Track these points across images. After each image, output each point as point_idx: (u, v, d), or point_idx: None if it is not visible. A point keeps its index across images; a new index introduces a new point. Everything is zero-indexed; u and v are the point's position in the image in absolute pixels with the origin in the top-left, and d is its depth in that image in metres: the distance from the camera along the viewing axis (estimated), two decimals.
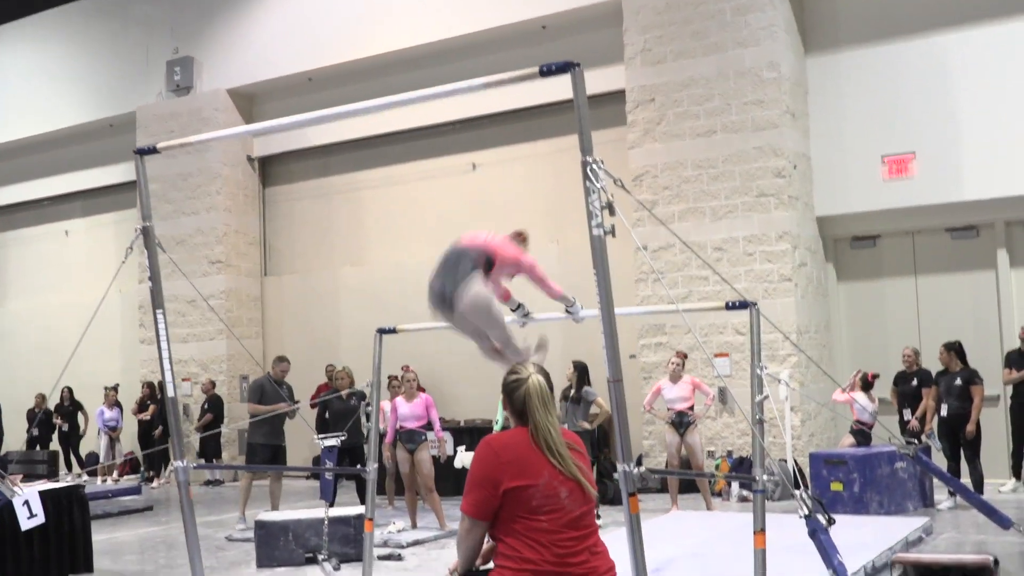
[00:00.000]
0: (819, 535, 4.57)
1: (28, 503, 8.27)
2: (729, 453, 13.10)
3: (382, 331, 6.98)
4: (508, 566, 3.41)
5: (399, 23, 16.17)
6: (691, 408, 11.05)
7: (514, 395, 3.58)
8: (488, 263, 5.31)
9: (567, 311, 6.10)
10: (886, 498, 10.58)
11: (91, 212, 20.72)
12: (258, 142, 18.56)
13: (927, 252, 13.52)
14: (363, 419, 11.76)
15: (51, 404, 18.96)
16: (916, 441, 9.77)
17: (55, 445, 19.14)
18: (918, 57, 13.11)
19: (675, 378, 11.13)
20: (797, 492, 4.62)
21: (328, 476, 8.13)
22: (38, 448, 19.08)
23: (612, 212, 4.14)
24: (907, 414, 11.69)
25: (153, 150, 5.40)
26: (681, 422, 11.00)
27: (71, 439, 18.73)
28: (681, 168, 13.63)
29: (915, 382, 11.73)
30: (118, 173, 19.72)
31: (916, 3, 13.18)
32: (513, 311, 6.20)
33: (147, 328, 18.60)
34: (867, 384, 11.43)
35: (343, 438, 8.67)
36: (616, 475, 4.16)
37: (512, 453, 3.44)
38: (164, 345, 5.48)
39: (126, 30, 19.44)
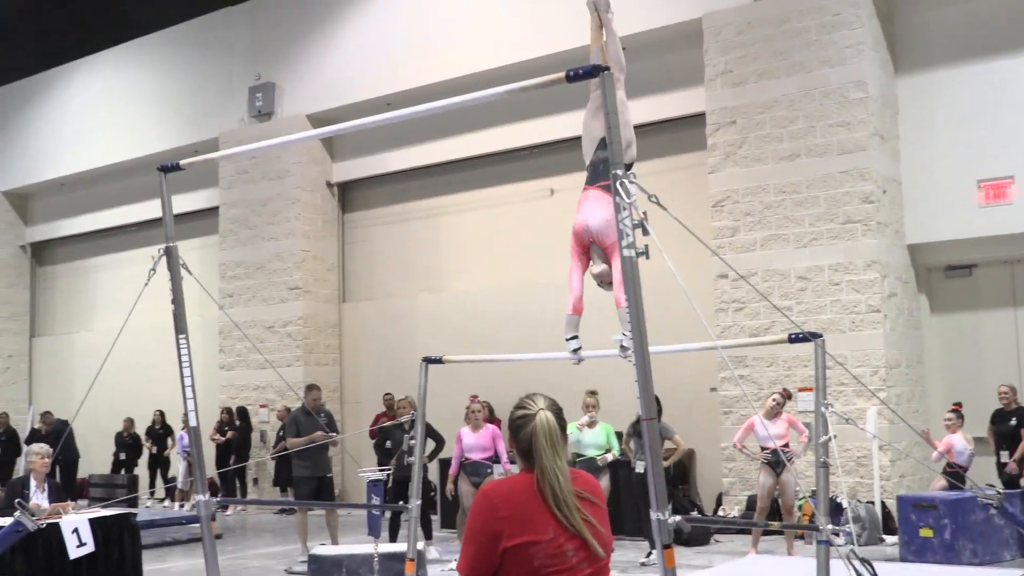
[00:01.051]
0: None
1: (78, 531, 8.13)
2: (813, 493, 12.41)
3: (428, 360, 6.65)
4: None
5: (476, 46, 15.97)
6: (786, 446, 10.42)
7: (520, 433, 3.07)
8: None
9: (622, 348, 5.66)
10: (980, 546, 9.85)
11: (177, 237, 20.83)
12: (337, 168, 18.52)
13: None
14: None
15: (140, 428, 19.15)
16: (1004, 487, 9.02)
17: (141, 469, 19.22)
18: (1016, 75, 12.37)
19: (772, 415, 10.50)
20: (844, 551, 4.11)
21: (375, 511, 7.78)
22: (123, 471, 19.20)
23: (645, 232, 3.72)
24: (1004, 456, 10.94)
25: (176, 167, 5.17)
26: (778, 461, 10.34)
27: (160, 463, 18.82)
28: (763, 193, 13.09)
29: (1013, 421, 11.01)
30: (202, 199, 19.84)
31: (1013, 17, 12.45)
32: (569, 340, 6.04)
33: (226, 353, 18.66)
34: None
35: (390, 471, 8.34)
36: (657, 520, 3.71)
37: (512, 506, 2.95)
38: (187, 372, 5.21)
39: (209, 56, 19.65)
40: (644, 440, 3.70)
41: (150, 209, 20.94)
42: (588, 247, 5.71)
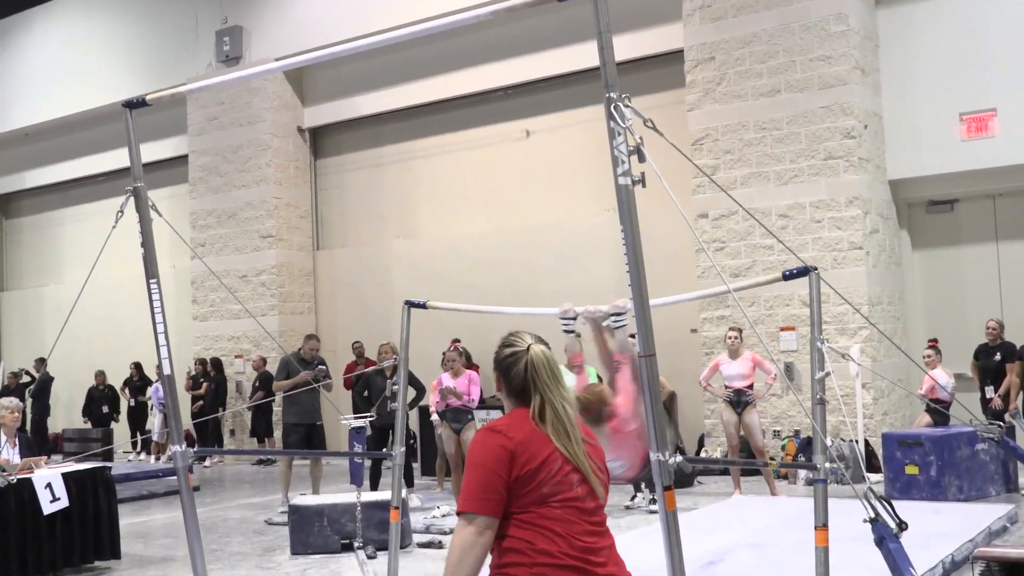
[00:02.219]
0: (887, 544, 3.90)
1: (51, 486, 7.93)
2: (796, 433, 12.39)
3: (411, 304, 6.43)
4: (518, 561, 2.75)
5: None
6: (751, 386, 10.39)
7: (511, 371, 2.91)
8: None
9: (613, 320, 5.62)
10: (966, 482, 9.82)
11: (146, 185, 20.41)
12: (308, 113, 18.15)
13: (1010, 216, 12.61)
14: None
15: (114, 380, 18.88)
16: (1000, 421, 8.96)
17: (121, 422, 18.96)
18: (998, 6, 12.17)
19: (734, 354, 10.45)
20: (860, 490, 3.96)
21: (357, 459, 7.60)
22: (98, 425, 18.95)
23: (642, 158, 3.51)
24: (989, 391, 10.89)
25: (143, 103, 4.90)
26: (739, 400, 10.35)
27: (139, 416, 18.57)
28: (743, 130, 12.88)
29: (998, 356, 10.95)
30: (170, 147, 19.42)
31: None
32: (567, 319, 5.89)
33: (199, 304, 18.38)
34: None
35: (372, 418, 8.15)
36: (658, 461, 3.54)
37: (521, 433, 2.81)
38: (159, 319, 4.97)
39: (174, 2, 19.10)
40: (643, 378, 3.52)
41: (117, 158, 20.46)
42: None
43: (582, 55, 14.12)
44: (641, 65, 14.11)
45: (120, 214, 4.95)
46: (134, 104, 4.97)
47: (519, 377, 2.89)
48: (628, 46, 13.69)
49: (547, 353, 2.92)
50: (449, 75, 16.20)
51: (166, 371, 5.01)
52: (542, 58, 15.28)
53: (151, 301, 5.02)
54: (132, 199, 5.02)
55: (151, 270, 5.04)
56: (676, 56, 13.60)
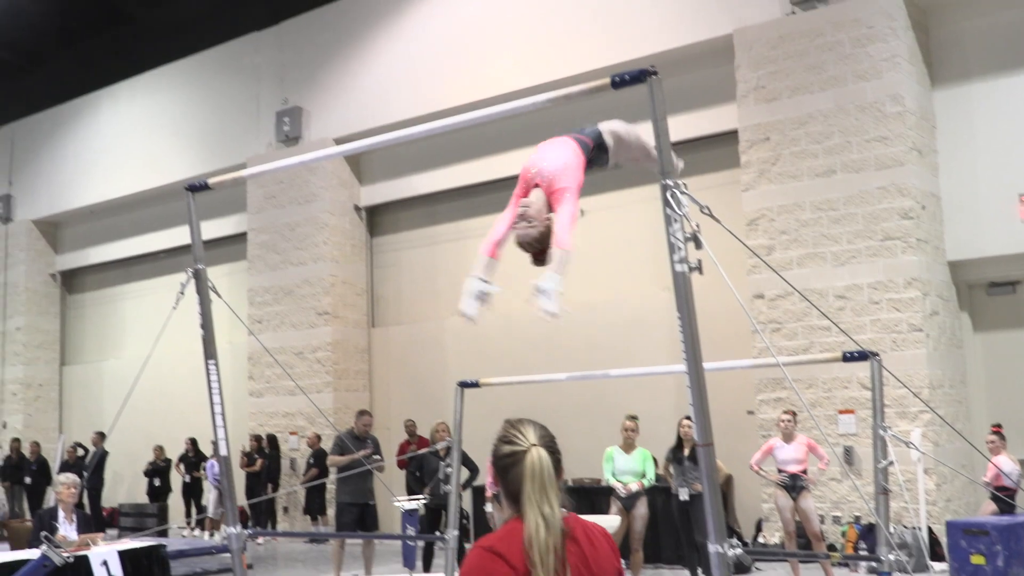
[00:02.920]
0: None
1: (107, 563, 7.95)
2: (857, 519, 12.11)
3: (464, 385, 6.44)
4: None
5: (504, 67, 15.82)
6: (804, 471, 10.20)
7: (510, 473, 2.58)
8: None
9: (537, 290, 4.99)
10: None
11: (205, 262, 20.82)
12: (365, 191, 18.41)
13: None
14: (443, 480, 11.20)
15: (172, 455, 19.03)
16: None
17: (174, 497, 19.07)
18: None
19: (788, 437, 10.29)
20: None
21: (411, 541, 7.55)
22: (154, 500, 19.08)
23: (698, 245, 3.51)
24: None
25: (205, 187, 5.01)
26: (794, 485, 10.16)
27: (195, 492, 18.67)
28: (799, 211, 12.83)
29: None
30: (229, 225, 19.78)
31: None
32: (476, 280, 5.28)
33: (255, 380, 18.52)
34: None
35: (426, 500, 8.11)
36: (716, 553, 3.48)
37: (523, 564, 2.47)
38: (217, 399, 5.02)
39: (236, 82, 19.64)
40: (701, 467, 3.48)
41: (178, 236, 20.92)
42: (531, 190, 5.03)
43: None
44: (696, 145, 14.15)
45: (181, 295, 5.03)
46: (196, 188, 5.08)
47: (517, 482, 2.56)
48: (682, 126, 13.75)
49: (545, 460, 2.57)
50: (504, 154, 16.36)
51: (222, 452, 5.05)
52: None
53: (208, 382, 5.08)
54: (193, 280, 5.07)
55: (210, 351, 5.11)
56: (731, 136, 13.65)
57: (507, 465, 2.59)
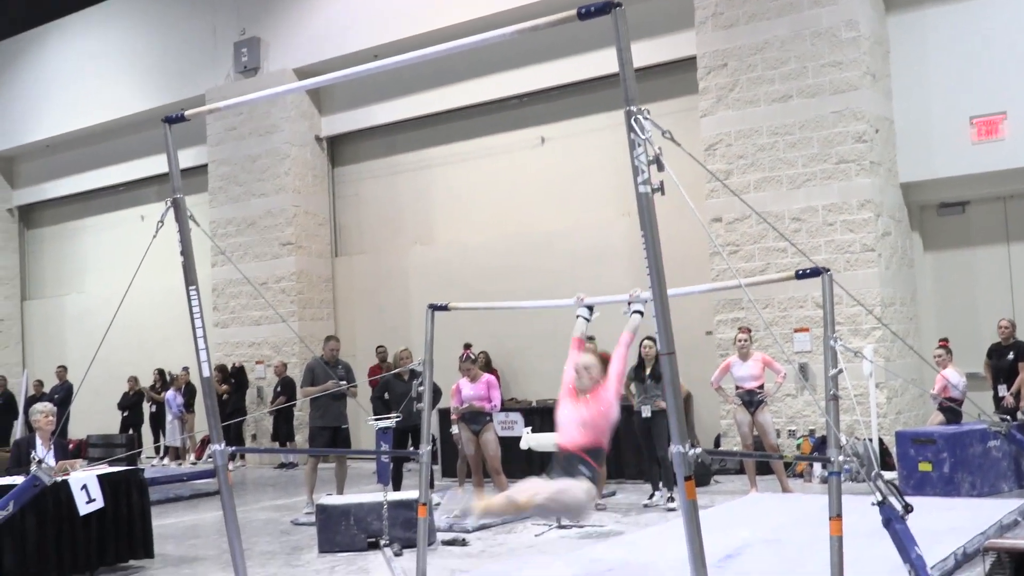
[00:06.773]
0: (894, 525, 4.11)
1: (86, 487, 8.16)
2: (811, 432, 12.57)
3: (433, 307, 6.65)
4: None
5: None
6: (761, 387, 10.62)
7: None
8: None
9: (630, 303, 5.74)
10: (979, 479, 9.98)
11: (165, 196, 20.67)
12: (326, 122, 18.42)
13: (1020, 218, 12.79)
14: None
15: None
16: (1010, 418, 9.15)
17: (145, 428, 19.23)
18: (1007, 10, 12.35)
19: (744, 355, 10.68)
20: (868, 476, 4.17)
21: (384, 459, 7.82)
22: (129, 430, 19.20)
23: (660, 167, 3.72)
24: (1002, 389, 11.06)
25: (181, 118, 5.13)
26: (751, 401, 10.60)
27: (161, 422, 18.85)
28: (756, 136, 13.08)
29: (1011, 355, 11.10)
30: (190, 157, 19.66)
31: None
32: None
33: (220, 311, 18.63)
34: None
35: (399, 419, 8.38)
36: (679, 453, 3.75)
37: None
38: (199, 323, 5.21)
39: (193, 12, 19.43)
40: (664, 375, 3.73)
41: (137, 168, 20.82)
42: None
43: (596, 63, 14.36)
44: (654, 72, 14.31)
45: (160, 224, 5.16)
46: (173, 120, 5.20)
47: None
48: (641, 54, 13.75)
49: None
50: (464, 83, 16.42)
51: (204, 373, 5.24)
52: (557, 66, 15.50)
53: (191, 307, 5.26)
54: (172, 209, 5.22)
55: (190, 277, 5.29)
56: (689, 63, 13.81)
57: None
